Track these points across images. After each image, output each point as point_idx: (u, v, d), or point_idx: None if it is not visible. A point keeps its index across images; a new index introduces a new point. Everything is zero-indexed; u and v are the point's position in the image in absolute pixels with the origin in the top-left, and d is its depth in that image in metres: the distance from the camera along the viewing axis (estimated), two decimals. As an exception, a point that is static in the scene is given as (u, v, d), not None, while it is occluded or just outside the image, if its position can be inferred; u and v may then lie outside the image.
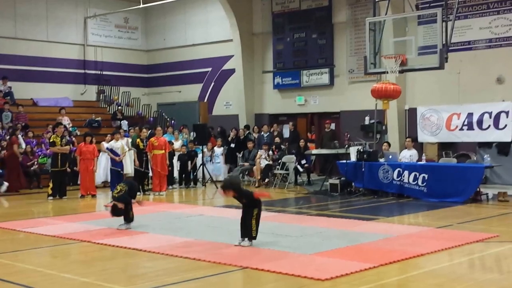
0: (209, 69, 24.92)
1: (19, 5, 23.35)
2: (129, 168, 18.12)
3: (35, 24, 23.75)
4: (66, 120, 21.56)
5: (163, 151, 16.81)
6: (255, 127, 21.74)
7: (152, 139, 16.87)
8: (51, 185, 15.82)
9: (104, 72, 25.57)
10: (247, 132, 21.37)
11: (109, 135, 18.31)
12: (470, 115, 16.32)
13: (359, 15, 20.36)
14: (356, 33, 20.46)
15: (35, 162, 18.72)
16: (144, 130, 18.14)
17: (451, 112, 16.72)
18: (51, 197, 15.64)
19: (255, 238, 8.89)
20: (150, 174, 17.31)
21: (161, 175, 16.72)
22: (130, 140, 18.57)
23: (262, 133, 21.07)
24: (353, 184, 16.06)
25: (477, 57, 18.03)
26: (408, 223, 11.69)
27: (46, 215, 13.12)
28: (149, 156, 16.76)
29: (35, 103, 23.48)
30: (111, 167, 17.14)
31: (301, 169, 18.60)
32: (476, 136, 16.35)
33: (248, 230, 8.88)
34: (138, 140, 17.20)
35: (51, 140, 16.20)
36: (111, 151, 17.11)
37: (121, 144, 17.31)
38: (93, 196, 16.19)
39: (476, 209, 13.30)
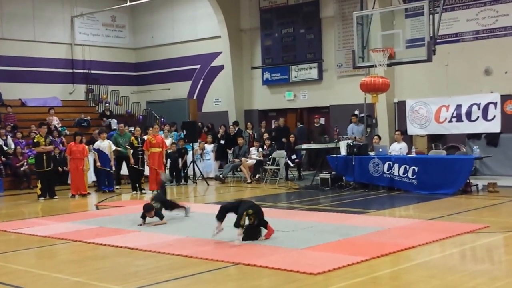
0: (198, 66, 24.88)
1: (5, 5, 23.21)
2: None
3: (22, 24, 23.62)
4: (55, 120, 21.47)
5: (160, 149, 16.74)
6: (249, 123, 21.72)
7: (150, 137, 16.79)
8: (39, 185, 15.74)
9: (92, 71, 25.47)
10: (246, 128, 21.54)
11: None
12: (458, 107, 16.39)
13: (346, 9, 20.38)
14: (344, 27, 20.48)
15: (25, 163, 18.64)
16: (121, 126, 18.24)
17: (439, 104, 16.79)
18: (41, 198, 15.57)
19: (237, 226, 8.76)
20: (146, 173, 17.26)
21: (158, 173, 16.58)
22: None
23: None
24: (343, 178, 16.07)
25: (464, 49, 18.10)
26: (399, 215, 11.75)
27: (37, 216, 13.06)
28: (145, 155, 16.68)
29: (23, 103, 23.37)
30: (100, 166, 17.10)
31: (291, 164, 18.62)
32: (465, 127, 16.42)
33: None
34: (132, 138, 17.10)
35: (35, 140, 16.04)
36: (98, 151, 17.08)
37: (108, 143, 17.28)
38: (84, 195, 16.14)
39: (466, 200, 13.36)
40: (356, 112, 19.73)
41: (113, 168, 17.59)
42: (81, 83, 25.44)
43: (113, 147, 17.51)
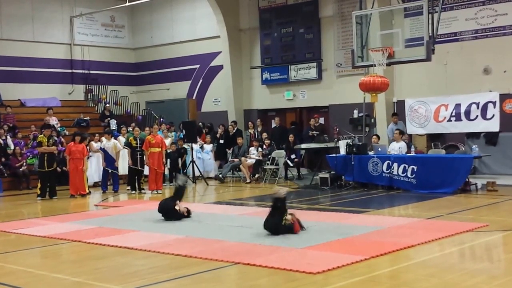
0: (197, 66, 24.87)
1: (4, 5, 23.18)
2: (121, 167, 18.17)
3: (21, 25, 23.60)
4: (54, 120, 21.46)
5: (160, 149, 16.74)
6: (250, 122, 21.68)
7: (149, 137, 16.79)
8: (39, 185, 15.76)
9: (92, 71, 25.44)
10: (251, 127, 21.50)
11: (97, 135, 18.30)
12: (457, 106, 16.39)
13: (345, 8, 20.37)
14: (343, 27, 20.47)
15: (24, 163, 18.64)
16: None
17: (439, 103, 16.79)
18: (39, 198, 15.58)
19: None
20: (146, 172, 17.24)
21: (157, 173, 16.64)
22: (123, 139, 18.52)
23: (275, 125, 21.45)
24: (343, 177, 16.09)
25: (463, 48, 18.10)
26: (398, 214, 11.77)
27: (36, 216, 13.05)
28: (145, 155, 16.67)
29: (22, 103, 23.35)
30: (104, 167, 17.11)
31: (291, 164, 18.62)
32: (464, 126, 16.42)
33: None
34: (131, 138, 17.10)
35: (38, 140, 16.12)
36: (104, 150, 17.10)
37: (113, 143, 17.29)
38: (83, 195, 16.14)
39: (466, 199, 13.37)
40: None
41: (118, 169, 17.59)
42: (80, 83, 25.41)
43: (119, 147, 17.47)
